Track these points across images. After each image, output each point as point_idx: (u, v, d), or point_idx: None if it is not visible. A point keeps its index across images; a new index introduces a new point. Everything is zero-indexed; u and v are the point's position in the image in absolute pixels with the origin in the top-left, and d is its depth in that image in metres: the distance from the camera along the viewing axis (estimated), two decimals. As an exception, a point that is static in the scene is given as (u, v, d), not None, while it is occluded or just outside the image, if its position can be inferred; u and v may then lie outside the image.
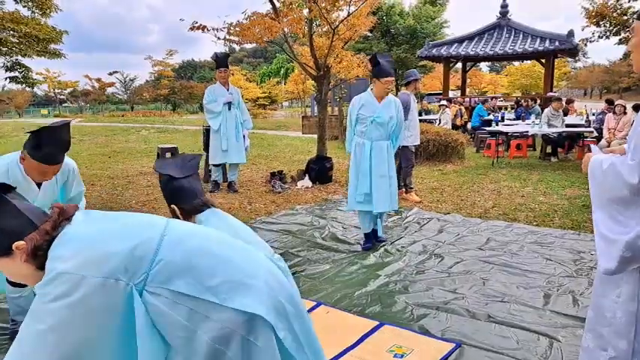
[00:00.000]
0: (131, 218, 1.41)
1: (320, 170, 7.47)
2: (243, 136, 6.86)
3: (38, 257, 1.25)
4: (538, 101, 15.32)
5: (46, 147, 2.37)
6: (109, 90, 44.59)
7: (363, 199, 4.33)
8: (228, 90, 6.73)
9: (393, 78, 4.35)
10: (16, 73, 8.70)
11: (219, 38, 7.44)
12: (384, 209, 4.39)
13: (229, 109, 6.63)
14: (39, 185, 2.62)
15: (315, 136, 8.72)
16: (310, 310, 3.16)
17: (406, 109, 5.95)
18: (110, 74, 43.80)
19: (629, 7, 11.34)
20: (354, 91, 14.88)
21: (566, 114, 11.46)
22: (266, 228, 5.07)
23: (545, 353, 2.59)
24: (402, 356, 2.59)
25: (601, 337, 1.80)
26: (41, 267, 1.25)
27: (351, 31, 7.68)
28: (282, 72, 37.55)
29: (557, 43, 14.52)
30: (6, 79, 9.17)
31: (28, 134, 2.38)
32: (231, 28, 7.33)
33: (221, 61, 6.78)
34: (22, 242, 1.25)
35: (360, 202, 4.36)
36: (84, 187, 2.97)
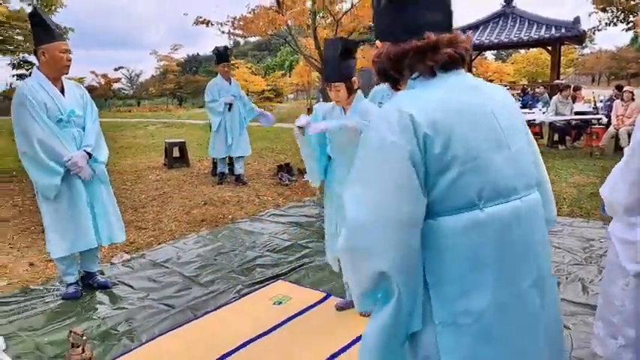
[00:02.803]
0: None
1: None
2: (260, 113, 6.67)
3: None
4: (546, 89, 15.18)
5: (49, 22, 3.11)
6: (115, 86, 44.62)
7: None
8: (230, 84, 6.73)
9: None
10: (23, 71, 8.76)
11: (223, 32, 7.46)
12: None
13: (229, 109, 6.64)
14: (62, 93, 3.19)
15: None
16: (320, 301, 3.19)
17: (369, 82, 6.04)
18: (116, 70, 43.82)
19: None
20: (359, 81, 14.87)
21: (573, 101, 11.36)
22: (274, 220, 5.09)
23: (554, 341, 2.60)
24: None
25: (612, 325, 1.81)
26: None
27: (354, 22, 7.67)
28: (286, 64, 37.41)
29: (563, 30, 14.37)
30: (13, 76, 9.22)
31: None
32: (235, 21, 7.33)
33: (222, 55, 6.79)
34: None
35: None
36: (96, 108, 3.46)
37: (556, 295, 1.25)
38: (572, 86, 13.37)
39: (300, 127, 2.73)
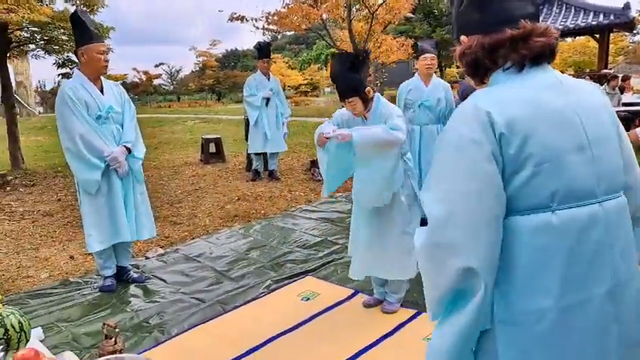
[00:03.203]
0: None
1: (360, 157, 7.42)
2: (282, 123, 6.90)
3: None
4: (592, 80, 14.54)
5: (88, 24, 3.18)
6: (156, 82, 45.82)
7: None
8: (269, 79, 6.77)
9: (433, 54, 4.29)
10: (67, 70, 9.09)
11: (257, 28, 7.50)
12: None
13: (267, 104, 6.68)
14: (102, 92, 3.28)
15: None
16: (348, 298, 3.17)
17: (469, 94, 5.95)
18: (156, 66, 44.99)
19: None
20: (394, 75, 14.67)
21: (622, 92, 10.83)
22: (305, 216, 5.10)
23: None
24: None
25: None
26: None
27: (390, 14, 7.55)
28: (322, 58, 37.36)
29: (611, 17, 13.66)
30: (58, 75, 9.60)
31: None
32: (270, 17, 7.35)
33: (264, 50, 6.83)
34: None
35: None
36: (134, 106, 3.56)
37: (635, 308, 1.17)
38: (621, 76, 12.76)
39: (325, 137, 2.57)
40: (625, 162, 1.19)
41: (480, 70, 1.21)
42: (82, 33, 3.22)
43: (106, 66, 3.29)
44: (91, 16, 8.55)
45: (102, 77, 3.36)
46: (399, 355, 2.51)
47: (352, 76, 2.52)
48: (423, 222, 4.42)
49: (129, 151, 3.36)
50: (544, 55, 1.14)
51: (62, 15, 7.72)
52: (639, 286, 1.18)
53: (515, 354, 1.09)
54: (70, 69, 9.00)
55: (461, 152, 1.09)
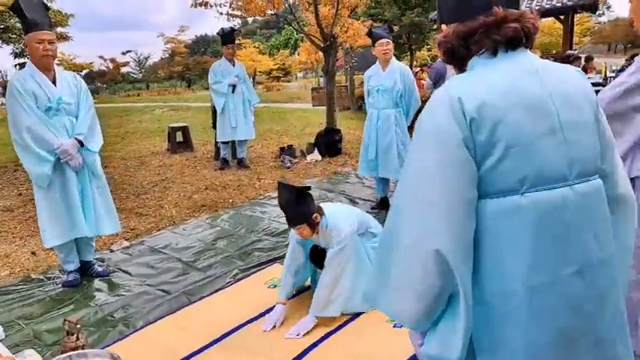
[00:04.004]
0: None
1: (329, 143, 7.44)
2: (250, 110, 6.85)
3: None
4: (556, 61, 14.83)
5: (27, 12, 3.04)
6: (124, 69, 44.75)
7: (370, 165, 4.56)
8: (234, 66, 6.69)
9: (388, 39, 4.32)
10: (26, 59, 8.78)
11: (221, 14, 7.37)
12: (387, 175, 4.54)
13: (233, 91, 6.60)
14: (54, 82, 3.19)
15: (325, 107, 8.65)
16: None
17: (442, 76, 6.31)
18: (124, 54, 43.95)
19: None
20: (365, 60, 14.65)
21: (585, 72, 11.08)
22: (274, 204, 5.09)
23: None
24: (401, 326, 2.61)
25: None
26: None
27: (356, -2, 7.52)
28: (291, 43, 37.05)
29: (575, -1, 13.93)
30: (16, 65, 9.27)
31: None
32: (234, 2, 7.23)
33: (227, 36, 6.72)
34: None
35: (368, 167, 4.61)
36: (91, 98, 3.48)
37: (614, 282, 1.19)
38: (584, 57, 13.06)
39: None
40: (602, 147, 1.20)
41: (455, 58, 1.22)
42: (23, 22, 3.12)
43: (48, 55, 3.12)
44: (48, 3, 8.27)
45: (55, 67, 3.25)
46: (364, 338, 2.55)
47: (298, 207, 2.65)
48: (384, 202, 4.49)
49: (82, 144, 3.27)
50: (518, 40, 1.15)
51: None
52: (617, 267, 1.20)
53: (485, 331, 1.12)
54: (29, 58, 8.72)
55: (434, 139, 1.10)
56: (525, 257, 1.09)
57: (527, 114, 1.09)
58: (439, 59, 6.79)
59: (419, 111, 4.53)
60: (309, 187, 2.76)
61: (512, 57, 1.15)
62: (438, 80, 6.52)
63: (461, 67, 1.23)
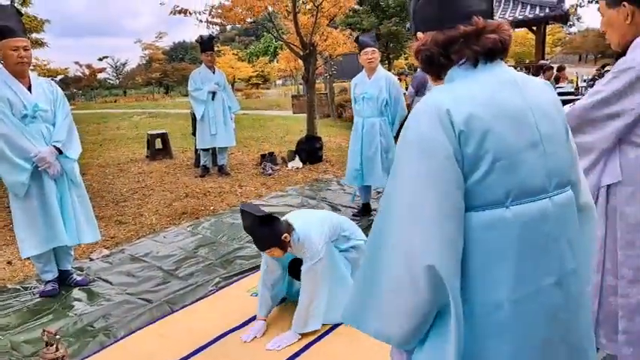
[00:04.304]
0: None
1: (310, 150, 7.48)
2: (231, 118, 6.85)
3: None
4: (529, 70, 15.20)
5: (1, 21, 3.01)
6: (101, 75, 44.10)
7: (355, 174, 4.56)
8: (214, 73, 6.68)
9: (374, 48, 4.37)
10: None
11: (201, 21, 7.36)
12: (373, 183, 4.57)
13: (213, 98, 6.60)
14: (30, 89, 3.15)
15: (306, 115, 8.69)
16: (296, 291, 3.21)
17: (423, 85, 6.47)
18: (100, 60, 43.29)
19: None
20: (344, 68, 14.76)
21: (557, 81, 11.39)
22: (255, 211, 5.10)
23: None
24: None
25: None
26: None
27: (335, 7, 7.59)
28: (270, 50, 37.10)
29: (547, 10, 14.33)
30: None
31: None
32: (214, 10, 7.24)
33: (206, 44, 6.71)
34: None
35: (353, 176, 4.61)
36: (68, 105, 3.43)
37: (583, 292, 1.23)
38: (556, 66, 13.41)
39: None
40: (573, 158, 1.24)
41: (434, 66, 1.21)
42: None
43: (23, 62, 3.09)
44: (25, 9, 8.15)
45: (31, 74, 3.21)
46: (350, 344, 2.57)
47: (265, 232, 2.56)
48: (365, 208, 4.50)
49: (60, 151, 3.23)
50: (497, 51, 1.16)
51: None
52: (584, 274, 1.24)
53: (470, 342, 1.11)
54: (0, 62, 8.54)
55: (422, 151, 1.08)
56: (510, 268, 1.10)
57: (511, 126, 1.10)
58: (419, 68, 6.91)
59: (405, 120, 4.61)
60: (270, 215, 2.59)
61: (490, 68, 1.16)
62: (419, 89, 6.64)
63: (438, 76, 1.23)
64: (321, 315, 2.69)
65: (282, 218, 2.75)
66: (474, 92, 1.12)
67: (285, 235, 2.60)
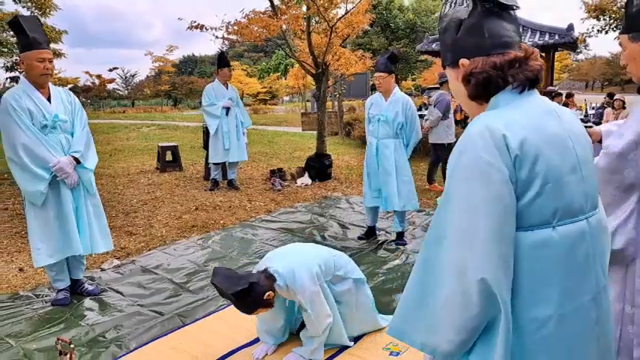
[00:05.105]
0: None
1: (319, 168, 7.52)
2: (243, 133, 6.92)
3: None
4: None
5: (28, 30, 3.07)
6: (110, 86, 44.52)
7: (377, 194, 4.51)
8: (227, 88, 6.76)
9: (382, 73, 4.37)
10: (17, 73, 8.74)
11: (217, 37, 7.47)
12: (391, 208, 4.46)
13: (227, 113, 6.67)
14: (49, 99, 3.20)
15: (315, 132, 8.75)
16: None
17: (447, 109, 6.72)
18: (110, 70, 43.75)
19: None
20: (353, 87, 14.89)
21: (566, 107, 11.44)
22: (265, 226, 5.11)
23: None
24: (397, 354, 2.64)
25: None
26: None
27: (349, 28, 7.69)
28: (281, 68, 37.47)
29: (556, 37, 14.47)
30: (7, 79, 9.20)
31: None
32: (229, 26, 7.35)
33: (226, 60, 6.85)
34: None
35: (374, 197, 4.55)
36: (86, 115, 3.48)
37: (609, 307, 1.31)
38: (565, 93, 13.49)
39: None
40: (597, 181, 1.31)
41: (490, 88, 1.23)
42: (22, 39, 3.12)
43: (47, 74, 3.15)
44: (44, 19, 8.30)
45: (50, 84, 3.26)
46: (359, 365, 2.57)
47: (245, 301, 2.38)
48: (371, 231, 4.46)
49: (77, 161, 3.26)
50: (538, 78, 1.22)
51: (12, 17, 7.45)
52: (609, 291, 1.32)
53: (520, 356, 1.16)
54: (20, 72, 8.67)
55: (480, 175, 1.11)
56: (557, 285, 1.16)
57: (556, 151, 1.16)
58: (440, 91, 6.95)
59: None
60: (244, 287, 2.34)
61: (531, 95, 1.23)
62: (445, 113, 6.70)
63: (486, 100, 1.25)
64: (322, 346, 2.61)
65: (262, 262, 2.60)
66: (523, 118, 1.17)
67: (268, 293, 2.40)
